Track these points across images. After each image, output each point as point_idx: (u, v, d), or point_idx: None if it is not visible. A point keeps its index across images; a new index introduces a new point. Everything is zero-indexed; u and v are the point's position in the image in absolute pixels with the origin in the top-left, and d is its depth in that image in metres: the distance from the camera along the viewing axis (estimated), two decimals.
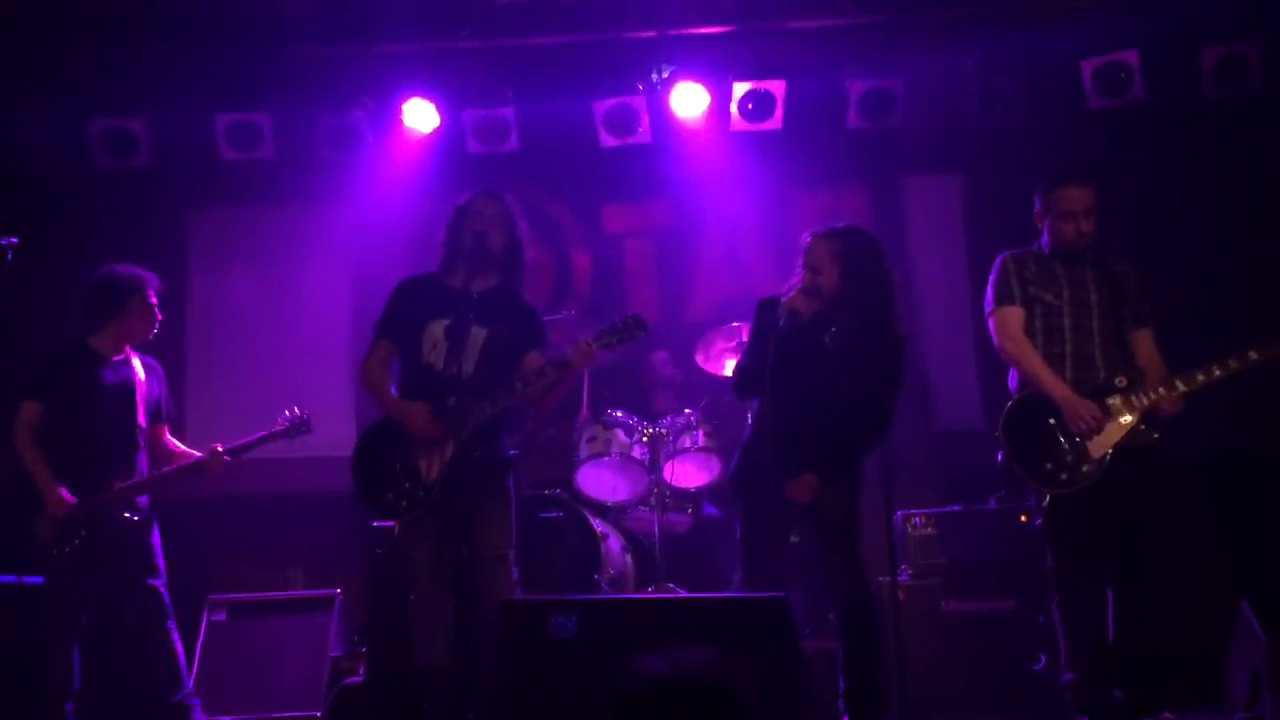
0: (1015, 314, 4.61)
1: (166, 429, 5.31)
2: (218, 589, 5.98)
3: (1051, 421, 4.45)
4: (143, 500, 5.09)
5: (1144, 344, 4.60)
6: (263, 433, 5.20)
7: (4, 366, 5.89)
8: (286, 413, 5.24)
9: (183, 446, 5.32)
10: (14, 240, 4.70)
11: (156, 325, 5.22)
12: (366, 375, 4.64)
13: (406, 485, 4.45)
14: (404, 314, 4.62)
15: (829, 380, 4.37)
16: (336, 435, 6.98)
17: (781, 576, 4.48)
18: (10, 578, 5.20)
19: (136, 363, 5.21)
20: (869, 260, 4.44)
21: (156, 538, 5.11)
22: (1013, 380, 4.69)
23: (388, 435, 4.54)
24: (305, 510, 6.94)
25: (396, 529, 4.69)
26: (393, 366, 4.64)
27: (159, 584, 5.03)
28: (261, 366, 7.19)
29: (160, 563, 5.07)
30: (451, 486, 4.39)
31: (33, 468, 4.93)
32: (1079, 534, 4.41)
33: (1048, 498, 4.44)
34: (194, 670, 5.36)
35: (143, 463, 5.12)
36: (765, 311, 4.54)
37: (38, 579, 5.04)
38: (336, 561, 6.57)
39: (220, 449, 5.13)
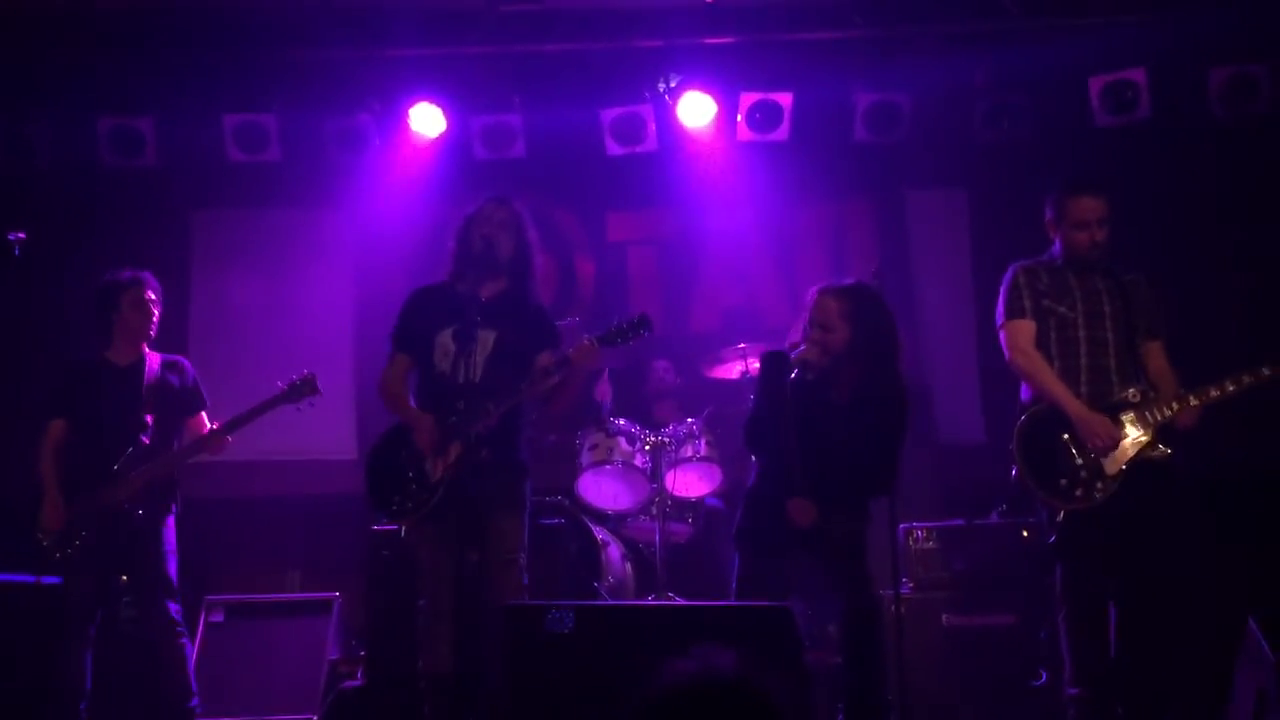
0: (1026, 327, 4.60)
1: (203, 417, 5.26)
2: (215, 590, 5.96)
3: (1065, 436, 4.42)
4: (155, 498, 5.06)
5: (1155, 356, 4.59)
6: (259, 400, 5.06)
7: (9, 355, 5.87)
8: (291, 376, 5.08)
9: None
10: (22, 235, 4.71)
11: (154, 321, 5.23)
12: (384, 389, 4.67)
13: (413, 488, 4.45)
14: (415, 325, 4.66)
15: (837, 433, 4.43)
16: (337, 439, 6.99)
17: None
18: (28, 577, 5.19)
19: (152, 361, 5.23)
20: (877, 318, 4.48)
21: (169, 539, 5.08)
22: (1024, 393, 4.66)
23: (401, 439, 4.55)
24: (304, 513, 6.93)
25: (403, 530, 4.66)
26: (411, 377, 4.67)
27: (173, 606, 5.03)
28: (263, 369, 7.12)
29: (172, 571, 5.06)
30: (459, 489, 4.36)
31: (43, 477, 5.03)
32: (1092, 551, 4.38)
33: (1061, 514, 4.41)
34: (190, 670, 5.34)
35: (150, 458, 5.09)
36: (772, 364, 4.56)
37: (56, 579, 5.03)
38: (335, 565, 6.55)
39: (216, 426, 5.14)
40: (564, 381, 4.50)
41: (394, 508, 4.50)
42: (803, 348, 4.46)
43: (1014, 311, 4.63)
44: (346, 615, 5.89)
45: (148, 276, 5.25)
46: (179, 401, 5.25)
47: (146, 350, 5.25)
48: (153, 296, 5.22)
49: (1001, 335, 4.68)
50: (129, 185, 6.94)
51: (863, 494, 4.52)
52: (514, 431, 4.55)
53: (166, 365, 5.28)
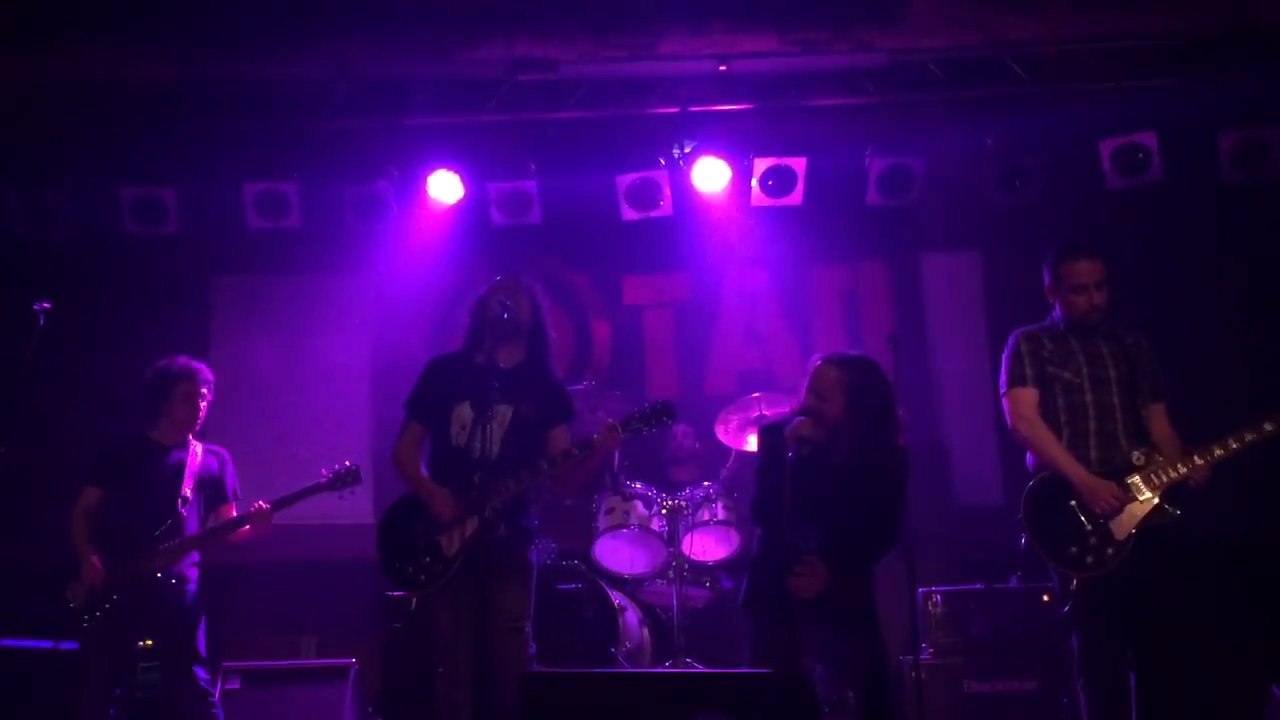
0: (1028, 395, 4.60)
1: (233, 509, 5.32)
2: (230, 656, 5.93)
3: (1072, 503, 4.41)
4: (185, 569, 5.11)
5: (1158, 420, 4.59)
6: (307, 484, 5.17)
7: (33, 426, 5.87)
8: (335, 466, 5.18)
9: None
10: (47, 305, 4.77)
11: (201, 414, 5.31)
12: (398, 457, 4.72)
13: (427, 560, 4.49)
14: (433, 396, 4.71)
15: (839, 498, 4.44)
16: (353, 504, 6.90)
17: None
18: (48, 643, 5.20)
19: (197, 448, 5.31)
20: (873, 390, 4.49)
21: (198, 607, 5.13)
22: (1030, 460, 4.66)
23: (414, 508, 4.57)
24: (320, 578, 6.92)
25: (414, 602, 4.65)
26: (423, 445, 4.70)
27: (202, 673, 5.07)
28: (281, 434, 7.20)
29: (201, 640, 5.10)
30: (472, 561, 4.40)
31: (75, 540, 5.07)
32: (1107, 617, 4.35)
33: (1075, 581, 4.38)
34: None
35: (186, 532, 5.14)
36: (770, 438, 4.58)
37: (73, 644, 5.05)
38: (351, 630, 6.53)
39: (264, 505, 5.15)
40: (582, 462, 4.55)
41: (407, 578, 4.52)
42: (795, 422, 4.47)
43: (1016, 380, 4.64)
44: (363, 682, 5.85)
45: (200, 368, 5.34)
46: (213, 489, 5.33)
47: (191, 439, 5.33)
48: (204, 391, 5.30)
49: (1004, 403, 4.69)
50: (150, 252, 7.03)
51: (865, 560, 4.49)
52: (523, 503, 4.59)
53: (208, 453, 5.37)
